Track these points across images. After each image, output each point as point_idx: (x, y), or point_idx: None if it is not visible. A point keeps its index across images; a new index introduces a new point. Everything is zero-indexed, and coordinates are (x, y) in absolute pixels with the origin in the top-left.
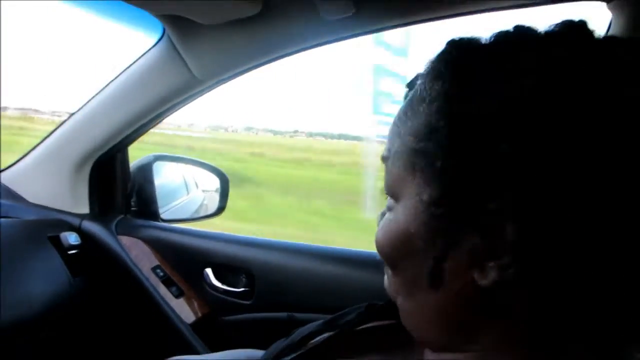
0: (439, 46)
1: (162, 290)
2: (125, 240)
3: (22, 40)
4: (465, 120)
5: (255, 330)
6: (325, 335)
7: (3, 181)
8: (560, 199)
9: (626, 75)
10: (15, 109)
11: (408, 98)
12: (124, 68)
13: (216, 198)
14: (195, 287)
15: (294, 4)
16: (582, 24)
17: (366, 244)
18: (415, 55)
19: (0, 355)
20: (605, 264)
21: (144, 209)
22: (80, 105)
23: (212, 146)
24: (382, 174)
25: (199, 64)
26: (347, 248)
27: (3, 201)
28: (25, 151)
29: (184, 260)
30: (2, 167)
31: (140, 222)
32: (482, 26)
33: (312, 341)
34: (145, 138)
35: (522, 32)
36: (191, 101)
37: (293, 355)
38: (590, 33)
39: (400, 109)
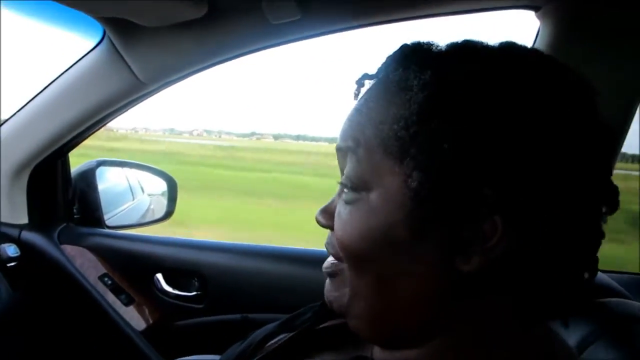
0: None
1: (111, 298)
2: (68, 249)
3: None
4: (463, 108)
5: (209, 334)
6: (283, 336)
7: None
8: (543, 190)
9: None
10: None
11: (377, 87)
12: (61, 72)
13: (164, 202)
14: (145, 293)
15: (240, 8)
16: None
17: None
18: None
19: None
20: (566, 253)
21: (88, 216)
22: (15, 111)
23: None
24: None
25: (143, 66)
26: (299, 247)
27: None
28: None
29: (133, 267)
30: None
31: (84, 230)
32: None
33: (270, 343)
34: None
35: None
36: (136, 104)
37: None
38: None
39: (368, 98)
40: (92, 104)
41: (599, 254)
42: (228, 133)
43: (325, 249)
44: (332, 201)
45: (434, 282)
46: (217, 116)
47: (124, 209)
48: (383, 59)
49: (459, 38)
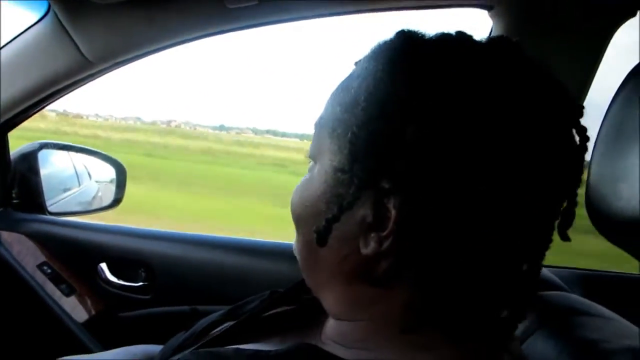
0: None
1: (50, 288)
2: (5, 235)
3: None
4: (381, 99)
5: (156, 326)
6: (228, 324)
7: None
8: (444, 188)
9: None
10: None
11: (355, 70)
12: (1, 46)
13: (112, 189)
14: (88, 283)
15: None
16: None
17: None
18: None
19: None
20: (472, 246)
21: (28, 202)
22: None
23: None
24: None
25: (91, 45)
26: (249, 238)
27: None
28: None
29: (75, 256)
30: None
31: (23, 215)
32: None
33: (214, 331)
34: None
35: (446, 38)
36: (83, 84)
37: (194, 347)
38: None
39: (340, 83)
40: (34, 82)
41: None
42: (198, 125)
43: (274, 241)
44: None
45: (341, 256)
46: (183, 107)
47: (69, 195)
48: None
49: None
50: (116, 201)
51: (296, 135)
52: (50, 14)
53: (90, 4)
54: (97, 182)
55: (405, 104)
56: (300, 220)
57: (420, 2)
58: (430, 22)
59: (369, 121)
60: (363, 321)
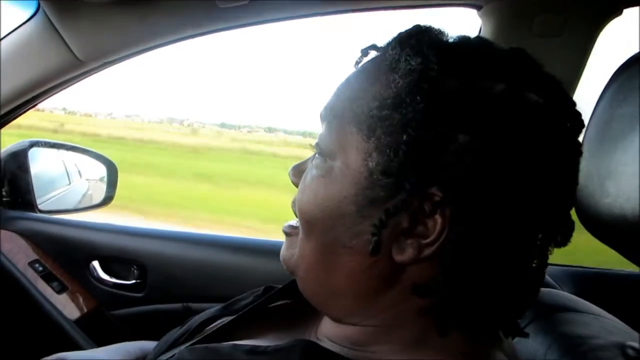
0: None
1: (41, 285)
2: None
3: None
4: (439, 102)
5: (148, 324)
6: (223, 320)
7: None
8: (493, 201)
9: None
10: None
11: (368, 63)
12: None
13: (102, 187)
14: (80, 281)
15: None
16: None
17: None
18: None
19: None
20: (504, 262)
21: (18, 200)
22: None
23: None
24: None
25: (81, 43)
26: (242, 236)
27: None
28: None
29: (67, 254)
30: None
31: (13, 213)
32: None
33: (209, 327)
34: None
35: (485, 43)
36: (73, 83)
37: (189, 343)
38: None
39: (360, 71)
40: (23, 81)
41: None
42: (199, 123)
43: (266, 239)
44: (306, 161)
45: (368, 263)
46: (184, 104)
47: (60, 193)
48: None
49: (471, 32)
50: (107, 199)
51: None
52: (40, 12)
53: (80, 2)
54: (87, 180)
55: (464, 110)
56: (314, 222)
57: (410, 1)
58: (417, 21)
59: (426, 123)
60: (368, 327)
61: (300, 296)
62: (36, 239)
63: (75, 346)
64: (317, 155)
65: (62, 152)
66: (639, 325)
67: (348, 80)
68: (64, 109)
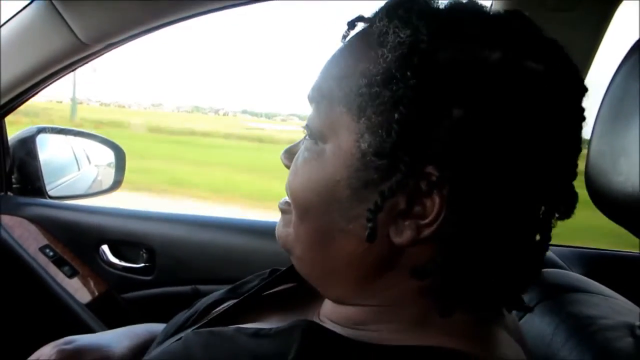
0: None
1: (53, 270)
2: (6, 219)
3: None
4: (430, 76)
5: (158, 306)
6: (229, 303)
7: None
8: (492, 177)
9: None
10: None
11: (354, 38)
12: None
13: (111, 172)
14: (90, 265)
15: None
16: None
17: None
18: None
19: None
20: (505, 237)
21: (28, 186)
22: None
23: None
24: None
25: (84, 26)
26: (249, 219)
27: None
28: None
29: (77, 238)
30: None
31: (24, 199)
32: None
33: (215, 310)
34: None
35: (478, 9)
36: (78, 67)
37: (195, 326)
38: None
39: (345, 47)
40: (28, 65)
41: None
42: (245, 112)
43: (273, 221)
44: (298, 144)
45: (366, 246)
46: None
47: (69, 179)
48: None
49: None
50: (116, 183)
51: None
52: None
53: None
54: (96, 165)
55: (457, 83)
56: (308, 206)
57: None
58: None
59: (418, 100)
60: (367, 307)
61: (304, 279)
62: (46, 225)
63: (87, 329)
64: (307, 137)
65: (70, 137)
66: None
67: (334, 57)
68: (99, 102)
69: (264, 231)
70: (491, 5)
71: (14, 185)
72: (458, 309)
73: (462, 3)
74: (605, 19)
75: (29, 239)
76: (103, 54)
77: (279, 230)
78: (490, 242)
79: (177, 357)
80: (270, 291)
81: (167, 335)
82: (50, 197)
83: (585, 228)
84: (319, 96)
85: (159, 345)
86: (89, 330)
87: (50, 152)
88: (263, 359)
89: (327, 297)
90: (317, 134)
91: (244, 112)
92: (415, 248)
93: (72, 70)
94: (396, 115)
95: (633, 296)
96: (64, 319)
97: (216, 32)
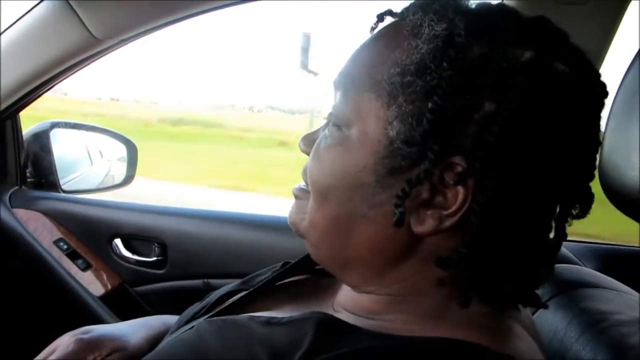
0: None
1: (67, 263)
2: (21, 213)
3: None
4: (465, 69)
5: (170, 299)
6: (242, 293)
7: None
8: (517, 171)
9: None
10: None
11: (387, 28)
12: (8, 26)
13: (123, 167)
14: (104, 259)
15: None
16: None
17: None
18: None
19: None
20: (523, 233)
21: (42, 180)
22: None
23: None
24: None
25: (97, 21)
26: (260, 214)
27: None
28: None
29: (91, 232)
30: None
31: (38, 193)
32: None
33: (228, 301)
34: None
35: (509, 10)
36: (91, 62)
37: (208, 315)
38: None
39: (378, 36)
40: (42, 61)
41: None
42: (274, 108)
43: (285, 216)
44: (317, 130)
45: (387, 233)
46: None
47: (82, 174)
48: None
49: None
50: (128, 178)
51: None
52: None
53: None
54: (108, 160)
55: (491, 77)
56: (330, 191)
57: None
58: None
59: (453, 91)
60: (383, 296)
61: (317, 270)
62: (60, 218)
63: (101, 322)
64: (330, 124)
65: (83, 132)
66: None
67: (365, 45)
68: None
69: (276, 226)
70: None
71: (29, 179)
72: (475, 303)
73: (491, 4)
74: (618, 12)
75: (43, 232)
76: (116, 49)
77: (292, 217)
78: (509, 236)
79: (190, 344)
80: (283, 282)
81: (180, 326)
82: (64, 191)
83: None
84: (347, 82)
85: (172, 335)
86: (103, 322)
87: (64, 146)
88: (275, 346)
89: (345, 283)
90: (343, 120)
91: (270, 107)
92: (435, 237)
93: (85, 66)
94: (429, 105)
95: None
96: (78, 312)
97: (211, 32)
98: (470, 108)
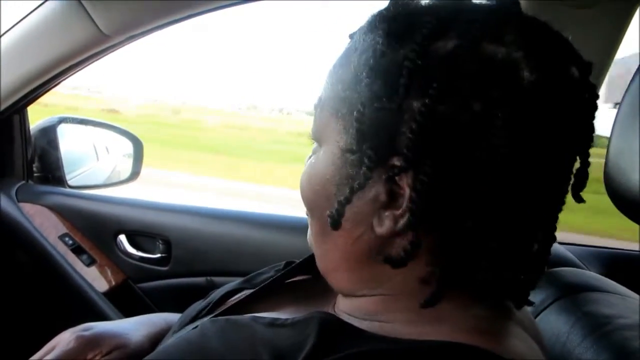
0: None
1: (71, 258)
2: (27, 207)
3: None
4: (384, 74)
5: (173, 296)
6: (243, 293)
7: None
8: (455, 159)
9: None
10: None
11: (345, 48)
12: (17, 21)
13: (129, 163)
14: (108, 254)
15: None
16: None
17: None
18: None
19: None
20: (486, 214)
21: (49, 175)
22: None
23: None
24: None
25: (107, 17)
26: (265, 212)
27: None
28: None
29: (96, 228)
30: None
31: (44, 188)
32: None
33: (230, 300)
34: None
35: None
36: (99, 58)
37: (211, 315)
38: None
39: (336, 59)
40: (50, 56)
41: None
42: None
43: (290, 215)
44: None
45: (355, 237)
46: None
47: (88, 169)
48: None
49: None
50: (134, 174)
51: None
52: None
53: None
54: (115, 156)
55: (410, 76)
56: (312, 205)
57: None
58: None
59: (373, 97)
60: (376, 296)
61: (318, 271)
62: (66, 213)
63: (105, 317)
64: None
65: (90, 128)
66: None
67: (332, 67)
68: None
69: (279, 225)
70: None
71: (35, 174)
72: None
73: (413, 2)
74: (626, 15)
75: (49, 227)
76: (124, 45)
77: (308, 233)
78: (473, 233)
79: (193, 344)
80: (285, 282)
81: (183, 324)
82: (70, 187)
83: None
84: (317, 105)
85: (174, 334)
86: (106, 318)
87: (70, 141)
88: (279, 348)
89: (336, 290)
90: (315, 138)
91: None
92: (399, 238)
93: (93, 62)
94: (356, 114)
95: None
96: (82, 307)
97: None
98: (398, 110)
